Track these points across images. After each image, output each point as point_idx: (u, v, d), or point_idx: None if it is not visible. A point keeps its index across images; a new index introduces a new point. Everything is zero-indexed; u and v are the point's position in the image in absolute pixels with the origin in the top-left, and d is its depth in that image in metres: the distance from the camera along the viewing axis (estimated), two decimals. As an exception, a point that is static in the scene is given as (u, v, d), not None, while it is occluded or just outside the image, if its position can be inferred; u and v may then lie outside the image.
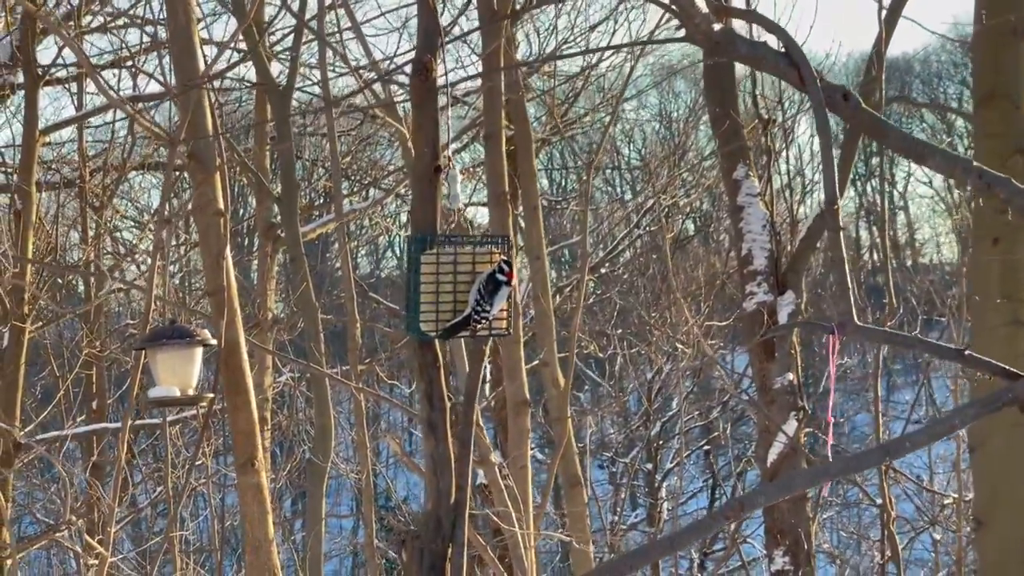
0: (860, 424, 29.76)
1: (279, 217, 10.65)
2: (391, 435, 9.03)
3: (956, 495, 15.61)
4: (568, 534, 9.07)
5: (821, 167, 3.40)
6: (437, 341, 4.23)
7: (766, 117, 12.87)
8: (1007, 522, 10.11)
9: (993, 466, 9.97)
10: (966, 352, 3.53)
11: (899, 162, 37.31)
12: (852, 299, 3.39)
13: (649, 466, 23.52)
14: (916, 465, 21.09)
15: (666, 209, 19.48)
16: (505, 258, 4.25)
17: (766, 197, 12.64)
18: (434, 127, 4.24)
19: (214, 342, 6.16)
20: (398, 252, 33.67)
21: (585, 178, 13.28)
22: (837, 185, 3.43)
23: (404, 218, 24.80)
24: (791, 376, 12.24)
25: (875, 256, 42.77)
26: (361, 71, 8.31)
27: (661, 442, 23.87)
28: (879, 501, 11.27)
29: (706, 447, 26.24)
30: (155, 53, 8.47)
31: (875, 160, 43.21)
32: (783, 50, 3.68)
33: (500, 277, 4.18)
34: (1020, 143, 9.94)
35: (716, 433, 24.61)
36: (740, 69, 13.08)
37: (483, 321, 4.19)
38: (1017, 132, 9.91)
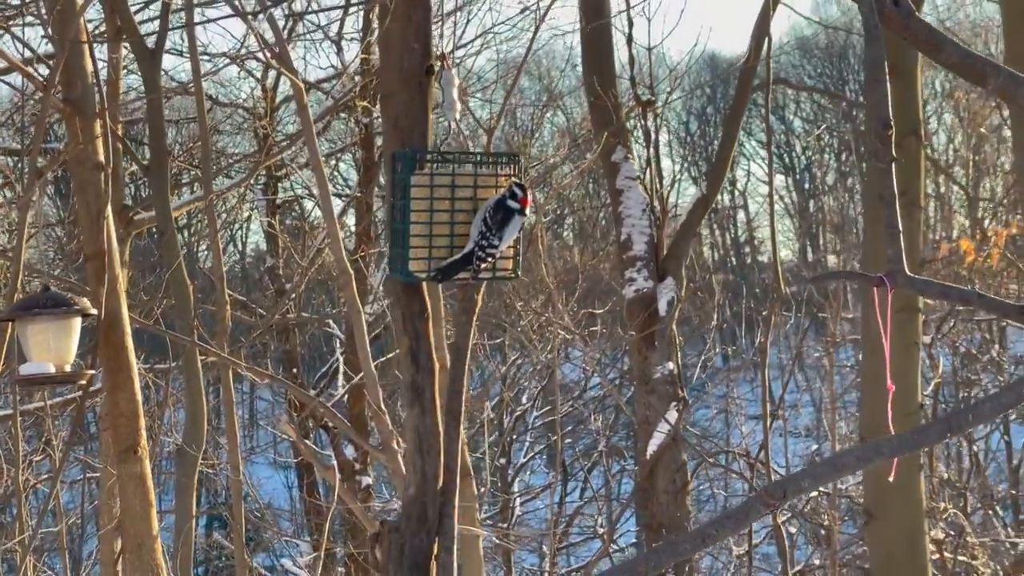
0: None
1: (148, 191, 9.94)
2: (286, 421, 8.35)
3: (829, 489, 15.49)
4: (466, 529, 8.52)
5: (865, 86, 2.85)
6: (425, 285, 3.50)
7: (645, 99, 12.49)
8: (897, 514, 9.93)
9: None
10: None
11: (739, 160, 37.55)
12: (900, 246, 2.89)
13: (503, 460, 23.07)
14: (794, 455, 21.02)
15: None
16: (517, 180, 3.54)
17: (645, 181, 12.27)
18: (426, 16, 3.55)
19: (94, 312, 5.47)
20: (238, 246, 32.60)
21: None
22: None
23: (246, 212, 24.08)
24: (671, 366, 11.95)
25: (715, 254, 42.99)
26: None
27: (514, 436, 23.45)
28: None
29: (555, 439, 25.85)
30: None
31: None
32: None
33: (511, 204, 3.46)
34: (913, 123, 9.70)
35: (568, 428, 24.23)
36: (619, 53, 12.72)
37: (488, 259, 3.46)
38: (910, 111, 9.67)
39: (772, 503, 2.78)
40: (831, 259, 38.32)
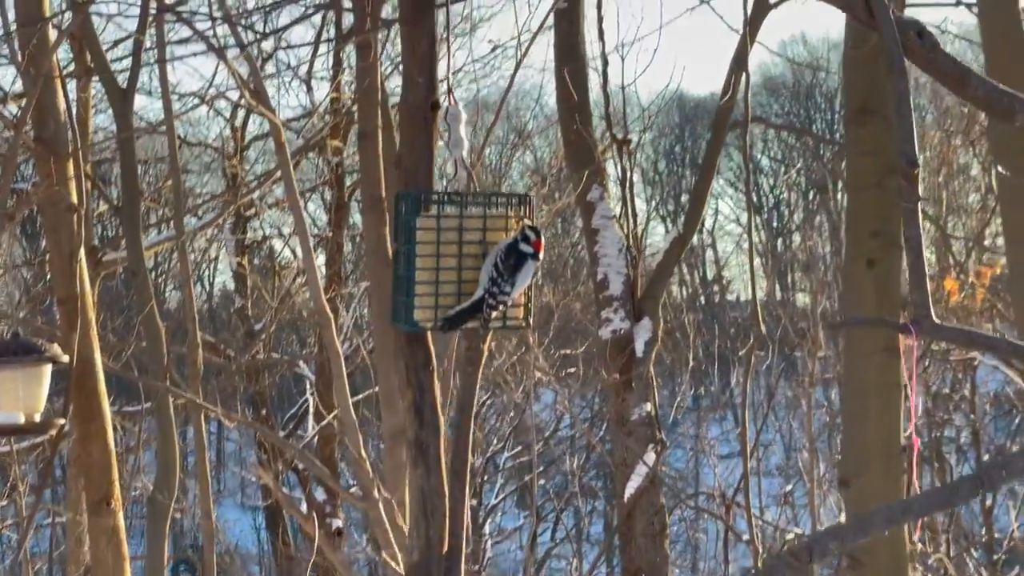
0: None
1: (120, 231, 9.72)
2: (263, 468, 8.12)
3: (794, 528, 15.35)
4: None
5: (896, 118, 2.71)
6: (430, 335, 3.28)
7: (620, 137, 12.36)
8: (885, 561, 9.75)
9: (867, 500, 9.60)
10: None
11: (708, 200, 37.36)
12: (927, 291, 2.75)
13: (474, 502, 22.87)
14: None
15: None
16: (529, 223, 3.32)
17: (621, 220, 12.14)
18: (431, 48, 3.36)
19: (66, 359, 5.25)
20: (206, 286, 32.28)
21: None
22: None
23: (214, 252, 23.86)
24: (649, 407, 11.78)
25: (684, 292, 42.92)
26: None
27: (485, 477, 23.25)
28: (745, 536, 10.87)
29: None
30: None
31: (684, 198, 43.69)
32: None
33: (524, 247, 3.23)
34: (893, 162, 9.59)
35: (541, 469, 24.04)
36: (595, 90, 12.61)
37: (499, 307, 3.22)
38: (891, 150, 9.57)
39: (797, 565, 2.63)
40: (799, 296, 38.31)
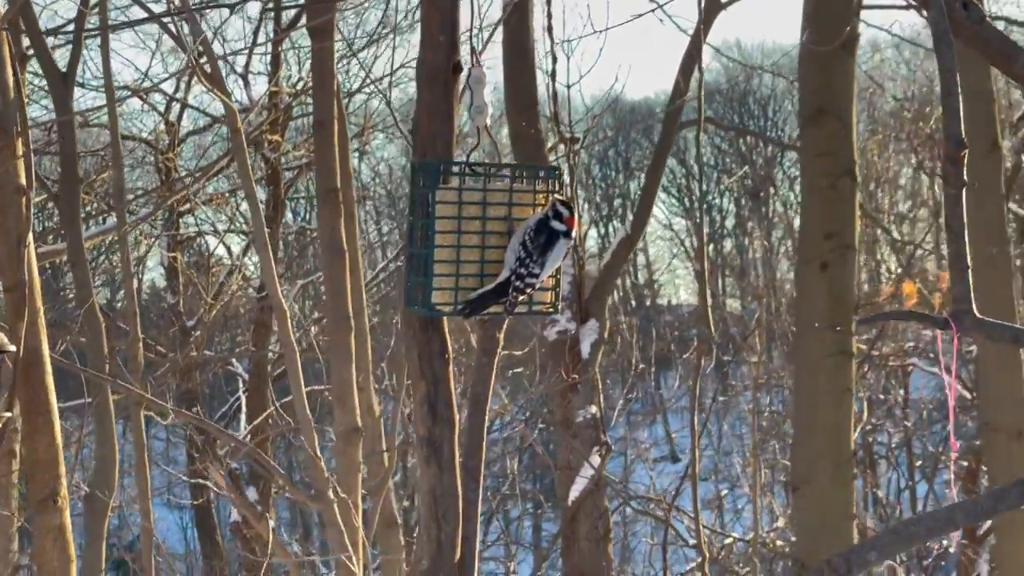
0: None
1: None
2: (215, 466, 7.87)
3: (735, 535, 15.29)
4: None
5: (941, 99, 2.54)
6: (446, 320, 2.98)
7: (568, 136, 12.20)
8: (832, 564, 9.68)
9: (818, 506, 9.52)
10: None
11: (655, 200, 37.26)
12: (968, 284, 2.58)
13: (407, 503, 22.60)
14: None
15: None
16: (560, 197, 3.03)
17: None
18: (454, 3, 3.08)
19: (12, 349, 5.00)
20: (135, 282, 31.66)
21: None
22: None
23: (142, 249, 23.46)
24: (594, 409, 11.64)
25: (615, 296, 42.83)
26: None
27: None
28: (692, 541, 10.75)
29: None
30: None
31: (617, 202, 43.70)
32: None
33: (556, 225, 2.97)
34: (848, 164, 9.50)
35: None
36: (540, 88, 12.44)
37: (527, 291, 2.96)
38: (846, 152, 9.48)
39: (837, 577, 2.46)
40: (730, 302, 38.40)
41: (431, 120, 3.12)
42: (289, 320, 5.84)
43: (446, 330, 3.08)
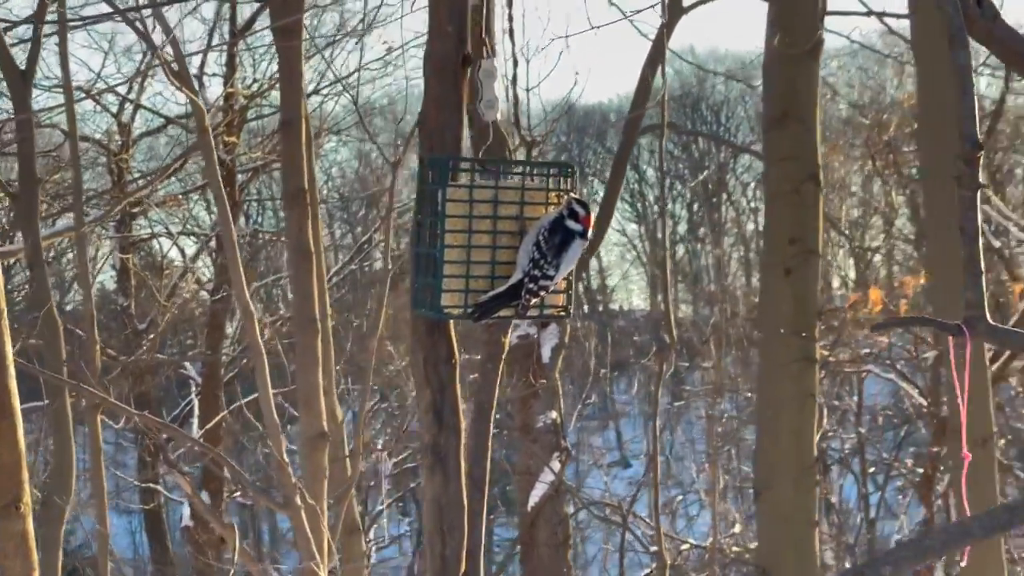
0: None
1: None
2: (177, 472, 7.74)
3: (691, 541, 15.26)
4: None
5: (959, 95, 2.48)
6: (453, 324, 2.88)
7: (530, 139, 12.15)
8: (793, 570, 9.62)
9: (780, 512, 9.47)
10: None
11: (591, 209, 37.25)
12: (982, 289, 2.52)
13: (358, 508, 22.44)
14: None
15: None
16: (576, 196, 2.92)
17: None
18: None
19: (-25, 351, 4.88)
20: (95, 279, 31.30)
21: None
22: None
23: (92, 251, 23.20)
24: (554, 414, 11.58)
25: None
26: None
27: (371, 484, 22.86)
28: (653, 548, 10.70)
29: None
30: None
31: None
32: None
33: (572, 224, 2.87)
34: (812, 169, 9.47)
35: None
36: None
37: (541, 293, 2.85)
38: (810, 156, 9.45)
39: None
40: (683, 308, 38.40)
41: (439, 113, 3.03)
42: (256, 324, 5.73)
43: (453, 334, 2.98)
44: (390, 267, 7.89)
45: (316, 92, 15.62)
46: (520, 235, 2.96)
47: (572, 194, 3.01)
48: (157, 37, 5.98)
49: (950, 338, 2.55)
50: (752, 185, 37.07)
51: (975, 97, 2.50)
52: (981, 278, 2.49)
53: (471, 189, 2.93)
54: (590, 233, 2.97)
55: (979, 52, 15.58)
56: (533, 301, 2.91)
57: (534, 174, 3.04)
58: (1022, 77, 2.95)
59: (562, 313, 3.08)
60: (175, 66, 5.76)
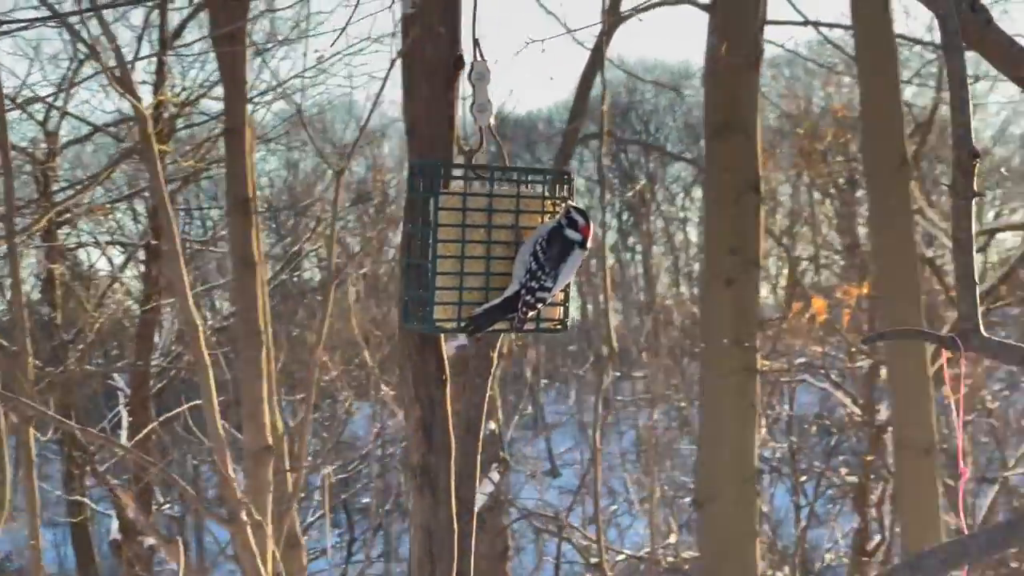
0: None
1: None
2: (107, 485, 7.55)
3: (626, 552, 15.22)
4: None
5: (954, 103, 2.42)
6: (444, 339, 2.80)
7: (467, 149, 12.07)
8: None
9: (722, 523, 9.47)
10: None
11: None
12: (975, 301, 2.46)
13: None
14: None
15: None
16: (574, 205, 2.80)
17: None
18: None
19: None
20: (5, 294, 30.77)
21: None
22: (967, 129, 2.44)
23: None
24: (493, 425, 11.50)
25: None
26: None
27: (303, 495, 22.66)
28: (593, 559, 10.66)
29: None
30: None
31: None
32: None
33: (570, 234, 2.74)
34: (753, 179, 9.47)
35: (360, 487, 23.64)
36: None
37: (538, 305, 2.72)
38: (750, 167, 9.45)
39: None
40: (613, 318, 38.36)
41: (430, 118, 2.94)
42: (202, 335, 5.60)
43: (443, 350, 2.88)
44: (330, 277, 7.75)
45: (249, 100, 15.44)
46: (516, 245, 2.85)
47: (570, 202, 2.91)
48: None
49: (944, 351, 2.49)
50: (682, 195, 37.19)
51: (970, 104, 2.44)
52: (975, 290, 2.43)
53: (464, 197, 2.83)
54: (590, 243, 2.85)
55: (909, 61, 15.69)
56: (530, 314, 2.79)
57: (529, 181, 2.94)
58: (1008, 77, 2.89)
59: (559, 327, 2.97)
60: (117, 72, 5.61)
